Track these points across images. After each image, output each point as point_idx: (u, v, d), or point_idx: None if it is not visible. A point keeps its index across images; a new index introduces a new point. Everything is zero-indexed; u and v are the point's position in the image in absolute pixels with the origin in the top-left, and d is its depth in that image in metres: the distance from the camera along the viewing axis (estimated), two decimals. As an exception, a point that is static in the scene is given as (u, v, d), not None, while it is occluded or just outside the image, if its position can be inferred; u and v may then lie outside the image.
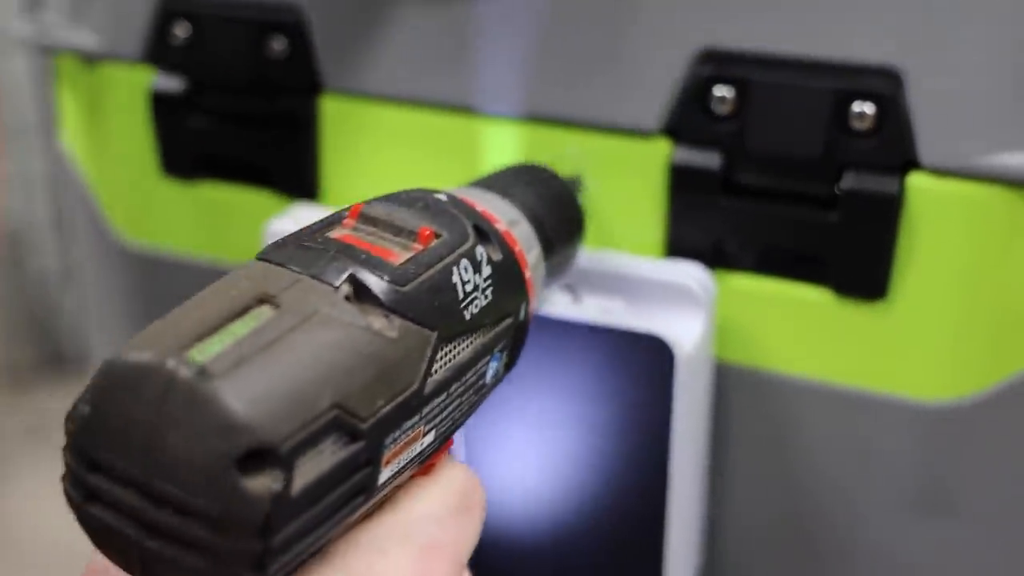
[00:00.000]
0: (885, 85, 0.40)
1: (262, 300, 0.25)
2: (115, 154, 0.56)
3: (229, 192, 0.53)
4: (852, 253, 0.42)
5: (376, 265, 0.26)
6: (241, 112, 0.51)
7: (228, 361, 0.23)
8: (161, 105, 0.52)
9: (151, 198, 0.55)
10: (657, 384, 0.40)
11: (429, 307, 0.26)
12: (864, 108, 0.40)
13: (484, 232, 0.30)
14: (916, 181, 0.40)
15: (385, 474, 0.26)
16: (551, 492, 0.44)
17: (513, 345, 0.31)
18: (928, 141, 0.39)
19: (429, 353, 0.26)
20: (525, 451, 0.44)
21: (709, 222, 0.44)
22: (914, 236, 0.41)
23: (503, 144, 0.46)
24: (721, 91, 0.42)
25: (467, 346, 0.28)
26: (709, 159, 0.43)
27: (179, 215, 0.54)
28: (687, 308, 0.42)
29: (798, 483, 0.46)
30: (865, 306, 0.43)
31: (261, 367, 0.23)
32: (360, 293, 0.26)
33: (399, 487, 0.28)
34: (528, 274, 0.31)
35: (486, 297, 0.28)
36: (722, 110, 0.42)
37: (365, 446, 0.25)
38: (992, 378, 0.41)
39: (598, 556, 0.44)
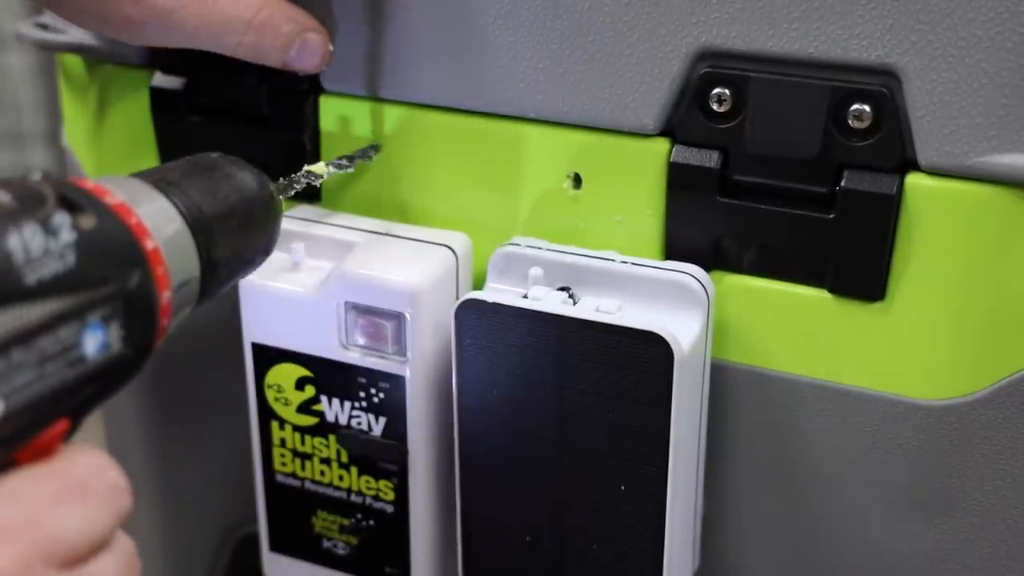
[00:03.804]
0: (883, 85, 0.40)
1: None
2: (116, 153, 0.56)
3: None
4: (850, 253, 0.42)
5: None
6: (241, 112, 0.51)
7: None
8: (161, 104, 0.53)
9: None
10: (655, 383, 0.40)
11: None
12: (862, 108, 0.40)
13: (73, 202, 0.30)
14: (914, 181, 0.40)
15: None
16: (550, 490, 0.44)
17: (132, 316, 0.31)
18: (926, 141, 0.40)
19: None
20: (525, 449, 0.44)
21: (707, 222, 0.44)
22: (912, 236, 0.41)
23: (501, 143, 0.46)
24: (719, 91, 0.42)
25: (35, 312, 0.28)
26: (707, 159, 0.43)
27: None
28: (685, 307, 0.43)
29: (796, 482, 0.46)
30: (863, 306, 0.43)
31: None
32: None
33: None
34: (150, 245, 0.32)
35: (64, 263, 0.29)
36: (720, 110, 0.42)
37: None
38: (990, 378, 0.41)
39: (598, 554, 0.44)
